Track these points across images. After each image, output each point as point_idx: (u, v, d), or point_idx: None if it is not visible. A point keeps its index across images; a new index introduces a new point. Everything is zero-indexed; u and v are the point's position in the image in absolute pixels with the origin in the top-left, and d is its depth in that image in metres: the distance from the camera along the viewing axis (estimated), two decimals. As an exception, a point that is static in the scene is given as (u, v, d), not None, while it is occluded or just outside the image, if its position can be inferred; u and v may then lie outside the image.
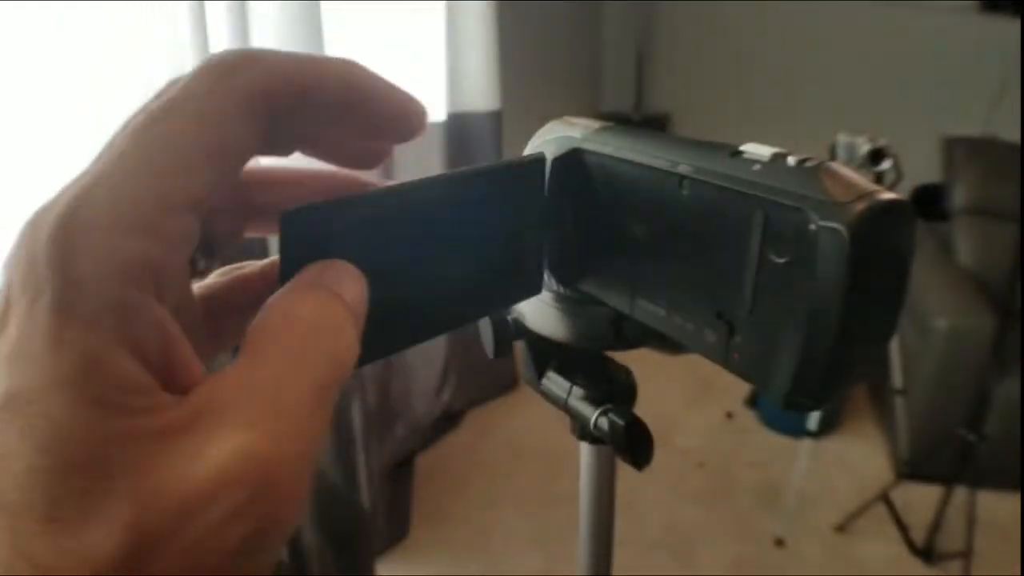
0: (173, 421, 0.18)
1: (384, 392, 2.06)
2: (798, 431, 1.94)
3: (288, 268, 0.32)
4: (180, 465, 0.18)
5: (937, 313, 1.81)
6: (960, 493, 1.68)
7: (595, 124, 0.41)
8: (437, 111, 1.97)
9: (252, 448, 0.18)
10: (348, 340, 0.24)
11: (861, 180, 0.29)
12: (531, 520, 1.98)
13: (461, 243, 0.38)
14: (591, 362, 0.49)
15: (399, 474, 2.10)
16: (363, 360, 0.35)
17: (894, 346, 1.79)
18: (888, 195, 0.28)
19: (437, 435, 2.28)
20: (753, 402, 2.38)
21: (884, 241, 0.28)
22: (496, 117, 2.12)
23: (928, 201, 2.37)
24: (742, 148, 0.33)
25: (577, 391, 0.47)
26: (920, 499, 1.80)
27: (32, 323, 0.18)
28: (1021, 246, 1.59)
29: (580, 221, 0.40)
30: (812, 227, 0.28)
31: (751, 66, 3.68)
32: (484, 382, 2.43)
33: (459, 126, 2.03)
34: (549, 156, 0.41)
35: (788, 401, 0.31)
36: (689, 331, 0.35)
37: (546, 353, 0.49)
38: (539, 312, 0.46)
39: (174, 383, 0.19)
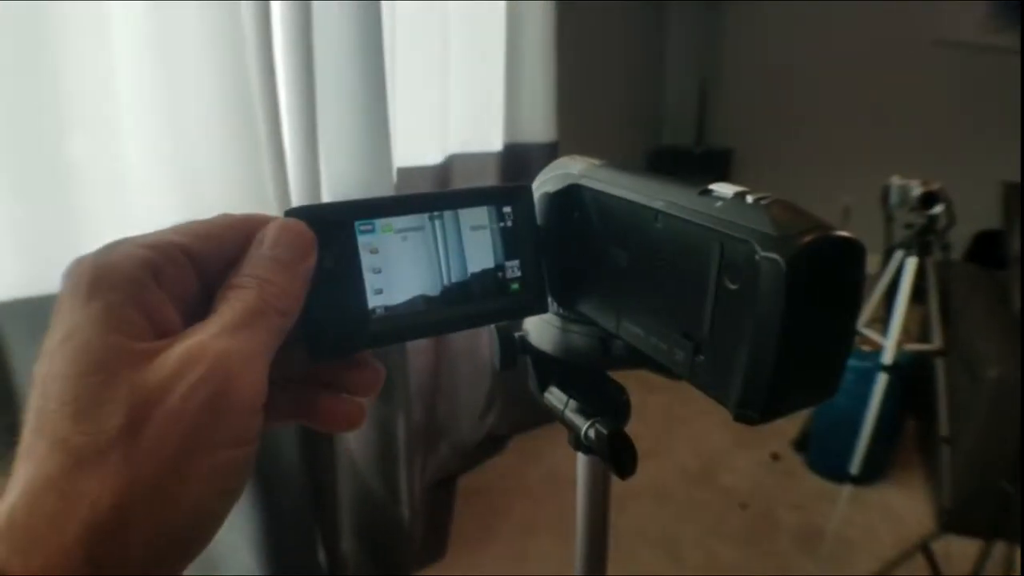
0: (159, 345, 0.28)
1: (430, 411, 2.11)
2: (843, 476, 1.91)
3: None
4: (160, 362, 0.27)
5: (988, 361, 1.77)
6: (1001, 548, 1.63)
7: (595, 162, 0.46)
8: (494, 141, 2.03)
9: (205, 341, 0.28)
10: (287, 296, 0.33)
11: (809, 217, 0.32)
12: (568, 548, 1.98)
13: (459, 253, 0.42)
14: (588, 379, 0.52)
15: (440, 493, 2.14)
16: (376, 342, 0.40)
17: (941, 393, 1.75)
18: (831, 231, 0.31)
19: (481, 457, 2.31)
20: (800, 445, 2.35)
21: (822, 272, 0.31)
22: (552, 149, 2.18)
23: (987, 247, 2.32)
24: (711, 187, 0.36)
25: (573, 404, 0.51)
26: (961, 552, 1.75)
27: (75, 293, 0.28)
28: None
29: (576, 248, 0.44)
30: (756, 257, 0.32)
31: (813, 105, 3.67)
32: (530, 409, 2.46)
33: (515, 156, 2.09)
34: (551, 189, 0.46)
35: (738, 414, 0.34)
36: (663, 349, 0.39)
37: (549, 369, 0.53)
38: (541, 330, 0.50)
39: (161, 331, 0.29)
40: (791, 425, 2.43)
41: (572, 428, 0.50)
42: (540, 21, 2.03)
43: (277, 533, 1.42)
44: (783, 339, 0.31)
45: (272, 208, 1.25)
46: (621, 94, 3.46)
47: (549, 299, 0.46)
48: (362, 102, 1.45)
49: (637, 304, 0.41)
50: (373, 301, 0.41)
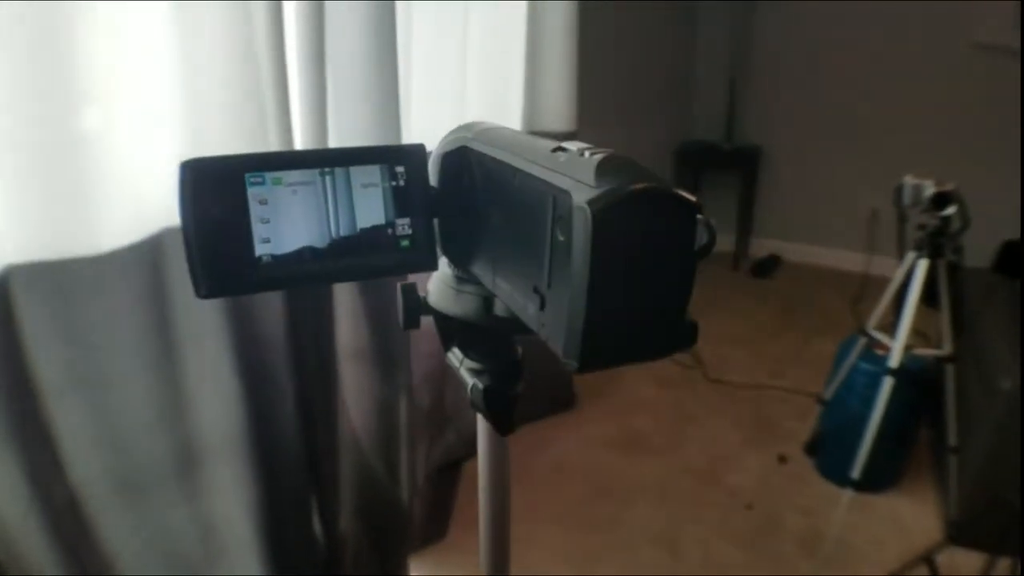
0: None
1: (438, 397, 2.13)
2: (850, 481, 1.89)
3: (186, 211, 0.39)
4: None
5: (1003, 372, 1.72)
6: (1005, 563, 1.59)
7: (488, 126, 0.47)
8: (513, 127, 2.04)
9: None
10: None
11: (638, 172, 0.33)
12: (568, 539, 2.00)
13: (348, 208, 0.44)
14: (485, 340, 0.54)
15: (444, 477, 2.16)
16: (261, 287, 0.42)
17: (950, 401, 1.71)
18: (649, 184, 0.32)
19: (488, 445, 2.33)
20: (811, 449, 2.31)
21: (631, 223, 0.32)
22: (571, 137, 2.17)
23: (1015, 257, 2.25)
24: (564, 144, 0.37)
25: (467, 363, 0.52)
26: (966, 564, 1.71)
27: None
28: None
29: (465, 209, 0.46)
30: (571, 207, 0.32)
31: (844, 105, 3.59)
32: (541, 399, 2.47)
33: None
34: (445, 150, 0.47)
35: (564, 364, 0.35)
36: (521, 305, 0.40)
37: (450, 329, 0.54)
38: (439, 291, 0.51)
39: None
40: (802, 427, 2.39)
41: (463, 385, 0.52)
42: (562, 9, 2.03)
43: (274, 507, 1.46)
44: (592, 288, 0.32)
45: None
46: (650, 87, 3.43)
47: (446, 259, 0.47)
48: (373, 87, 1.48)
49: (506, 261, 0.42)
50: (260, 249, 0.43)
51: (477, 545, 2.10)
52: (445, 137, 0.50)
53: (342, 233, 0.44)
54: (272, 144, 1.27)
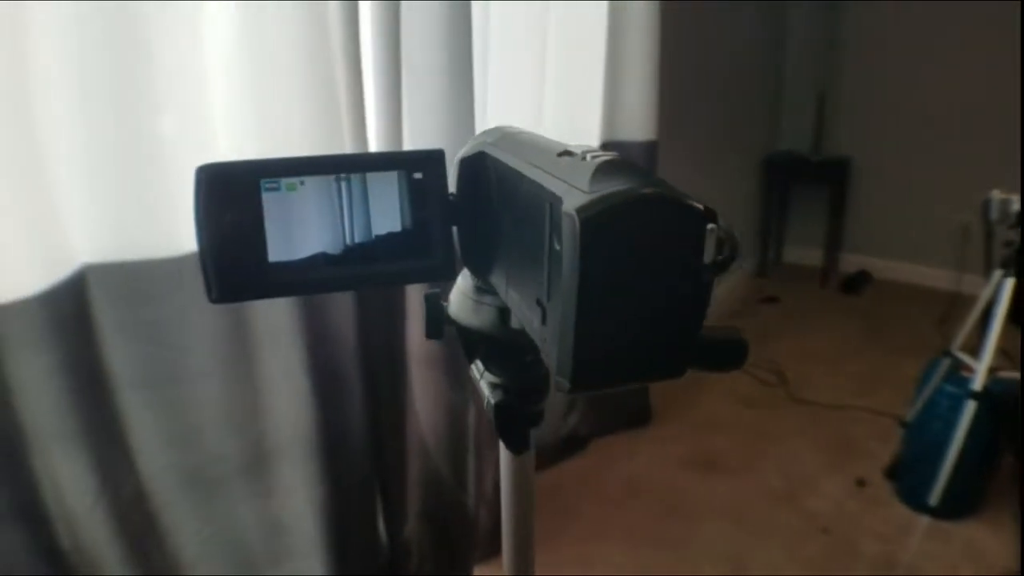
0: None
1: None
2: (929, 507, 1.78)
3: (200, 215, 0.39)
4: None
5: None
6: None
7: (512, 130, 0.45)
8: (591, 137, 2.02)
9: None
10: None
11: (638, 177, 0.30)
12: (635, 558, 1.94)
13: (364, 215, 0.43)
14: (504, 354, 0.52)
15: (514, 488, 2.15)
16: (273, 293, 0.42)
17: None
18: (648, 189, 0.29)
19: (558, 457, 2.30)
20: (892, 473, 2.19)
21: (625, 230, 0.29)
22: (651, 147, 2.14)
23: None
24: (572, 148, 0.35)
25: (487, 376, 0.50)
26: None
27: None
28: None
29: (483, 216, 0.44)
30: (562, 214, 0.30)
31: (938, 118, 3.39)
32: (615, 413, 2.43)
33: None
34: (464, 155, 0.45)
35: (557, 384, 0.32)
36: (528, 318, 0.38)
37: (473, 341, 0.52)
38: (459, 301, 0.50)
39: None
40: (885, 450, 2.26)
41: (483, 399, 0.50)
42: (643, 16, 2.00)
43: (340, 508, 1.48)
44: (582, 301, 0.29)
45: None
46: (736, 96, 3.33)
47: (465, 269, 0.46)
48: (449, 96, 1.48)
49: (515, 271, 0.40)
50: (273, 255, 0.42)
51: (542, 563, 2.06)
52: (469, 143, 0.48)
53: (357, 240, 0.43)
54: (347, 151, 1.29)
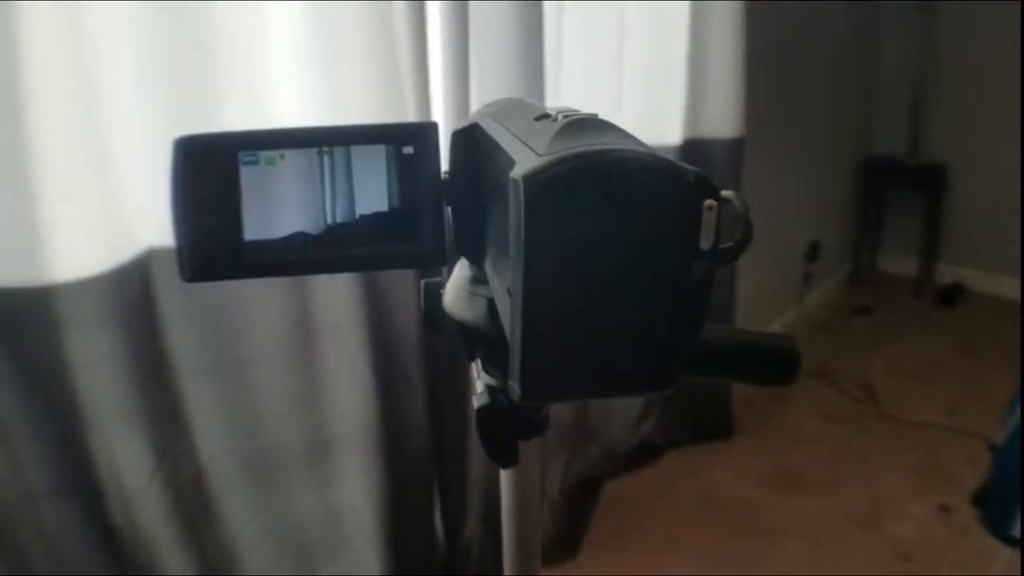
0: None
1: (582, 410, 2.06)
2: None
3: (175, 190, 0.37)
4: None
5: None
6: None
7: (513, 100, 0.40)
8: (672, 134, 1.94)
9: None
10: None
11: (607, 137, 0.24)
12: (708, 573, 1.86)
13: (347, 192, 0.39)
14: (500, 351, 0.47)
15: (583, 494, 2.09)
16: (249, 273, 0.39)
17: None
18: (617, 148, 0.23)
19: (631, 465, 2.23)
20: (979, 500, 2.00)
21: (582, 202, 0.24)
22: (737, 144, 2.04)
23: None
24: (550, 110, 0.30)
25: (484, 377, 0.46)
26: None
27: None
28: None
29: (476, 196, 0.40)
30: (510, 180, 0.25)
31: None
32: (693, 424, 2.33)
33: (696, 151, 1.98)
34: (458, 127, 0.41)
35: (509, 389, 0.27)
36: (507, 311, 0.34)
37: (472, 337, 0.48)
38: (452, 291, 0.45)
39: None
40: (974, 474, 2.08)
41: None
42: (728, 9, 1.90)
43: (398, 502, 1.47)
44: (528, 287, 0.24)
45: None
46: (828, 95, 3.13)
47: (463, 258, 0.42)
48: (519, 93, 1.44)
49: (495, 256, 0.36)
50: (250, 233, 0.39)
51: (608, 573, 1.99)
52: (471, 114, 0.44)
53: (339, 219, 0.40)
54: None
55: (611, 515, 2.06)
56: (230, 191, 0.39)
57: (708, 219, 0.25)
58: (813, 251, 3.14)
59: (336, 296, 1.29)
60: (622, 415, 2.19)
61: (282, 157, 0.39)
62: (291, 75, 1.17)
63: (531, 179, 0.23)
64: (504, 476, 0.52)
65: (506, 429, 0.42)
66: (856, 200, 3.59)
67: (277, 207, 0.39)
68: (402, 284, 1.34)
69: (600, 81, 1.76)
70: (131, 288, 1.07)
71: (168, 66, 1.04)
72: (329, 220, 0.40)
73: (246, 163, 0.39)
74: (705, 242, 0.26)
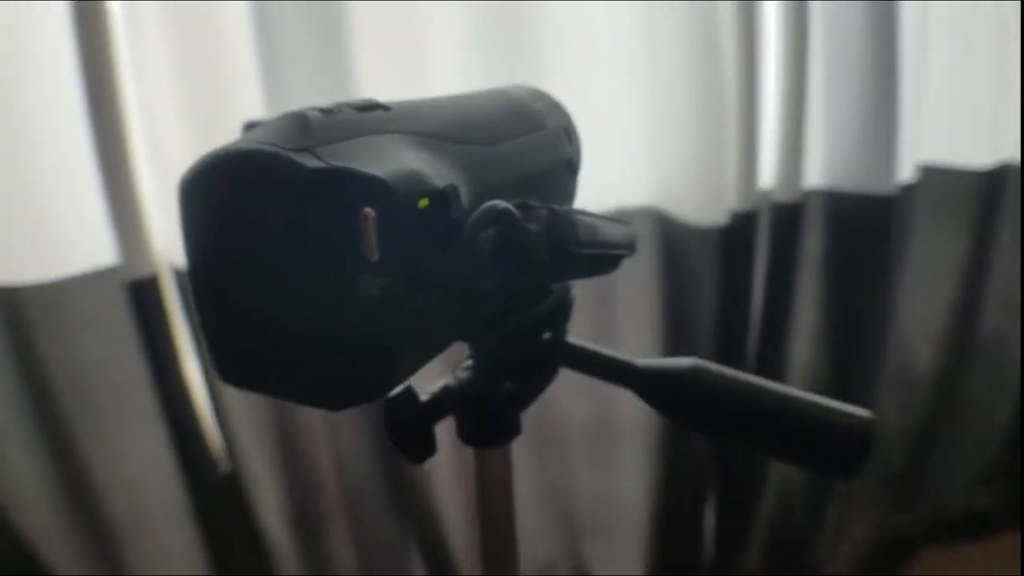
0: None
1: (914, 456, 1.78)
2: None
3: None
4: None
5: None
6: None
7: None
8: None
9: None
10: None
11: (284, 129, 0.24)
12: None
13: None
14: None
15: (890, 555, 1.83)
16: None
17: None
18: (259, 143, 0.23)
19: (960, 535, 1.89)
20: None
21: (221, 202, 0.24)
22: None
23: None
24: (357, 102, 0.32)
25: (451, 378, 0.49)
26: None
27: None
28: None
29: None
30: None
31: None
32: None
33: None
34: None
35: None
36: None
37: None
38: None
39: None
40: None
41: None
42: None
43: (671, 503, 1.46)
44: (194, 278, 0.25)
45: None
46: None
47: None
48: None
49: None
50: None
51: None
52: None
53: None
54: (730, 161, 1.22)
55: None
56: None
57: (365, 228, 0.22)
58: None
59: (633, 276, 1.31)
60: (963, 472, 1.86)
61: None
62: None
63: (185, 175, 0.25)
64: (477, 484, 0.52)
65: (418, 421, 0.43)
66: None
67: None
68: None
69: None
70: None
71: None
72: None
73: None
74: (372, 254, 0.22)
